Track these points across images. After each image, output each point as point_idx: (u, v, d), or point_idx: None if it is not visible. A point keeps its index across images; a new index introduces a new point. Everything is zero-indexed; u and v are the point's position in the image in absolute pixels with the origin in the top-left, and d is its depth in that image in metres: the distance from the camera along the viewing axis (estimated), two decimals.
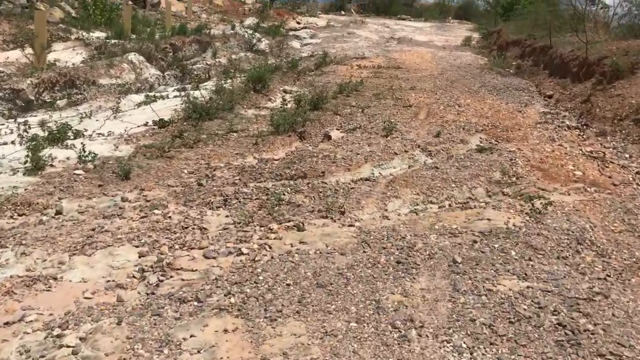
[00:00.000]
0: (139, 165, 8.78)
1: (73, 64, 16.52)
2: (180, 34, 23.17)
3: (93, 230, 6.30)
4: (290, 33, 31.28)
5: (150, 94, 15.13)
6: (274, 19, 34.06)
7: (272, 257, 5.57)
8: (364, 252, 5.73)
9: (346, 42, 29.27)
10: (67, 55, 17.60)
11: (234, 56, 23.36)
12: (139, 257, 5.69)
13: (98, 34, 21.31)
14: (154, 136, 10.61)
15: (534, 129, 11.57)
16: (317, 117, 12.32)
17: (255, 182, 8.24)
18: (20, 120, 11.88)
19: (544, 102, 15.08)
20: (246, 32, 25.90)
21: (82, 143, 9.59)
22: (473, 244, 5.86)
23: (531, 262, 5.41)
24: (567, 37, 20.10)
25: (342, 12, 42.59)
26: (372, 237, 6.18)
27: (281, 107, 13.18)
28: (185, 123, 11.40)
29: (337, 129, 11.90)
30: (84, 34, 20.50)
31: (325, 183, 8.22)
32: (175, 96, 14.65)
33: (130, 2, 27.57)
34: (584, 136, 11.12)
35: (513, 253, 5.60)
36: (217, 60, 22.30)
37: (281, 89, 16.19)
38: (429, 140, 10.66)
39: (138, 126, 11.47)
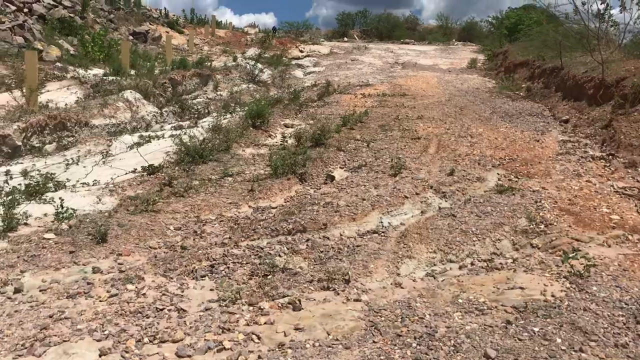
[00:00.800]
0: (120, 224, 7.68)
1: (66, 104, 15.57)
2: (181, 67, 22.29)
3: (51, 317, 5.17)
4: (293, 62, 30.40)
5: (145, 134, 14.13)
6: (277, 49, 33.24)
7: (260, 356, 4.40)
8: (374, 342, 4.54)
9: (350, 69, 28.31)
10: (61, 95, 16.68)
11: (235, 88, 22.48)
12: (100, 356, 4.55)
13: (96, 71, 20.50)
14: (142, 185, 9.54)
15: (555, 162, 10.40)
16: (319, 155, 11.23)
17: (248, 240, 7.12)
18: (2, 169, 10.87)
19: (561, 128, 13.93)
20: (248, 63, 25.02)
21: (60, 198, 8.53)
22: (507, 327, 4.65)
23: (583, 355, 4.21)
24: (578, 57, 19.01)
25: (345, 39, 41.77)
26: (383, 318, 5.00)
27: (281, 144, 12.12)
28: (177, 168, 10.33)
29: (341, 168, 10.81)
30: (81, 71, 19.70)
31: (328, 238, 7.08)
32: (171, 135, 13.64)
33: (130, 37, 26.83)
34: (612, 168, 9.94)
35: (559, 340, 4.39)
36: (218, 93, 21.42)
37: (282, 123, 15.15)
38: (442, 179, 9.52)
39: (126, 173, 10.41)
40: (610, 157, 10.67)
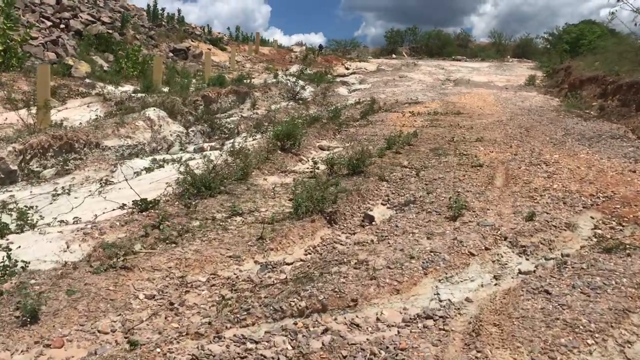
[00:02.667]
0: (70, 289, 5.32)
1: (81, 123, 13.58)
2: (217, 84, 20.21)
3: None
4: (338, 79, 28.07)
5: (160, 157, 11.93)
6: (322, 66, 30.99)
7: None
8: None
9: (397, 86, 25.74)
10: (79, 113, 14.75)
11: (274, 106, 20.24)
12: None
13: (127, 88, 18.64)
14: (128, 226, 7.21)
15: None
16: (356, 187, 8.71)
17: (237, 327, 4.62)
18: None
19: None
20: (288, 80, 22.77)
21: (7, 248, 6.29)
22: None
23: None
24: None
25: (393, 56, 39.19)
26: None
27: (311, 172, 9.67)
28: (177, 202, 7.97)
29: (383, 204, 8.27)
30: (110, 88, 17.87)
31: (358, 327, 4.53)
32: (190, 158, 11.40)
33: (170, 54, 25.05)
34: None
35: None
36: (254, 111, 19.19)
37: (317, 145, 12.70)
38: (519, 225, 6.84)
39: (114, 209, 8.12)
40: None
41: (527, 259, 6.00)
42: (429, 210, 7.65)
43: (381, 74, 30.61)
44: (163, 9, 28.72)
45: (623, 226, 6.84)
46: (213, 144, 13.35)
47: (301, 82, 22.81)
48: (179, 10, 29.80)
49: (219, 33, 35.38)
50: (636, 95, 15.72)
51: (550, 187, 8.58)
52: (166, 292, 5.43)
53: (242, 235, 6.69)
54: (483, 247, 6.15)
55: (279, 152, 11.24)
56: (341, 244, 6.73)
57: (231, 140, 13.85)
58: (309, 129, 13.96)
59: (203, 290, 5.47)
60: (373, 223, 7.45)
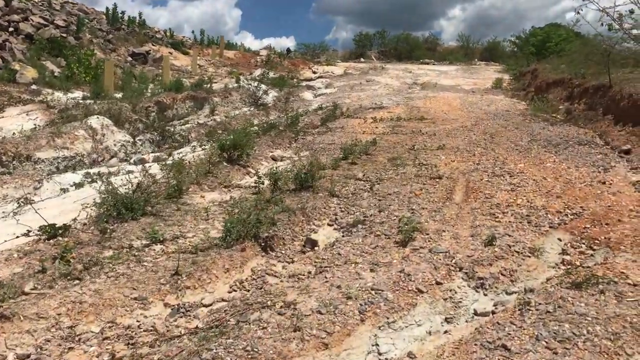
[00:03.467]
0: None
1: (14, 133, 12.36)
2: (175, 90, 19.04)
3: None
4: (304, 83, 27.03)
5: (95, 170, 10.77)
6: (288, 70, 29.94)
7: None
8: None
9: (364, 91, 24.81)
10: (16, 122, 13.49)
11: (234, 112, 19.19)
12: None
13: (77, 94, 17.36)
14: (27, 257, 6.08)
15: None
16: (302, 205, 7.69)
17: None
18: None
19: (624, 161, 10.18)
20: (250, 84, 21.68)
21: None
22: None
23: None
24: (626, 74, 15.26)
25: (362, 59, 38.29)
26: None
27: (255, 186, 8.64)
28: (93, 228, 6.85)
29: (330, 224, 7.27)
30: (59, 94, 16.61)
31: None
32: (129, 171, 10.23)
33: (129, 59, 23.80)
34: None
35: None
36: (212, 118, 18.05)
37: (270, 155, 11.65)
38: (477, 252, 5.89)
39: (18, 236, 6.97)
40: None
41: (485, 294, 5.05)
42: (378, 232, 6.66)
43: (348, 78, 29.65)
44: (123, 12, 27.42)
45: (594, 250, 5.93)
46: (157, 154, 12.20)
47: (264, 87, 21.73)
48: (140, 14, 28.57)
49: (183, 37, 34.12)
50: (602, 98, 14.98)
51: (514, 202, 7.66)
52: (45, 350, 4.34)
53: (157, 269, 5.61)
54: (434, 282, 5.17)
55: (225, 164, 10.17)
56: (275, 276, 5.70)
57: (181, 150, 12.77)
58: (263, 138, 12.93)
59: (92, 346, 4.39)
60: (315, 248, 6.44)
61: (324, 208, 7.80)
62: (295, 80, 27.71)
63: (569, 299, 4.63)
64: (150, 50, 25.54)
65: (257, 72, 26.96)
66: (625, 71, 15.65)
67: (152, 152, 13.33)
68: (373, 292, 4.91)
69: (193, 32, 39.85)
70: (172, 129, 15.59)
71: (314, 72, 31.54)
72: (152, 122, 15.51)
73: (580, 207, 7.32)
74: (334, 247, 6.34)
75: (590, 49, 16.20)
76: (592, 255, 5.81)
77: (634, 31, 12.85)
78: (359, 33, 45.75)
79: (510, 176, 9.11)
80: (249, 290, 5.34)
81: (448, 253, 5.84)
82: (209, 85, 21.20)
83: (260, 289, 5.32)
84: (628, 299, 4.52)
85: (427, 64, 37.08)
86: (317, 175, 8.90)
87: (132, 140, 13.92)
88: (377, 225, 6.93)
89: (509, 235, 6.31)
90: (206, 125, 16.49)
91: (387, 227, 6.82)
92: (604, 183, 8.48)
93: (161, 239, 6.38)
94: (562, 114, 16.60)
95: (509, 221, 6.86)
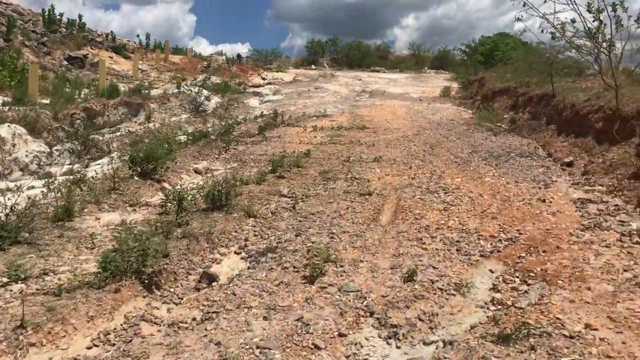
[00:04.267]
0: None
1: None
2: (108, 95, 17.69)
3: None
4: (251, 90, 25.96)
5: None
6: (235, 76, 28.80)
7: None
8: None
9: (311, 98, 23.89)
10: None
11: (173, 119, 18.00)
12: None
13: None
14: None
15: (584, 245, 5.88)
16: (210, 227, 6.62)
17: None
18: None
19: (567, 175, 9.49)
20: (190, 90, 20.47)
21: None
22: None
23: None
24: (570, 83, 14.75)
25: (313, 66, 37.41)
26: None
27: (162, 206, 7.53)
28: None
29: (237, 252, 6.23)
30: None
31: None
32: (31, 187, 8.94)
33: (54, 62, 22.28)
34: None
35: None
36: (146, 125, 16.78)
37: (193, 167, 10.54)
38: (394, 290, 4.95)
39: None
40: None
41: (398, 347, 4.11)
42: (287, 264, 5.66)
43: (297, 85, 28.68)
44: (61, 14, 25.78)
45: (528, 285, 5.07)
46: (70, 167, 10.93)
47: (205, 93, 20.54)
48: (80, 16, 26.90)
49: (128, 41, 32.54)
50: (546, 107, 14.40)
51: (445, 224, 6.78)
52: None
53: (2, 320, 4.45)
54: (336, 333, 4.20)
55: (137, 178, 9.02)
56: (154, 323, 4.64)
57: (98, 162, 11.56)
58: (191, 148, 11.81)
59: None
60: (214, 284, 5.39)
61: (235, 232, 6.76)
62: (242, 86, 26.63)
63: (492, 356, 3.71)
64: (88, 54, 24.03)
65: (202, 78, 25.75)
66: (569, 80, 15.14)
67: (69, 164, 12.03)
68: (258, 351, 3.90)
69: (138, 35, 38.12)
70: (99, 138, 14.29)
71: (263, 79, 30.50)
72: (76, 131, 14.15)
73: (517, 230, 6.48)
74: (232, 283, 5.31)
75: (533, 57, 15.61)
76: (526, 292, 4.95)
77: (576, 40, 12.25)
78: (311, 40, 44.89)
79: (445, 192, 8.26)
80: (114, 345, 4.25)
81: (360, 292, 4.88)
82: (147, 91, 19.91)
83: (129, 342, 4.24)
84: (559, 351, 3.63)
85: (378, 71, 36.46)
86: (234, 192, 7.86)
87: (48, 150, 12.56)
88: (288, 254, 5.94)
89: (434, 268, 5.39)
90: (137, 133, 15.24)
91: (299, 256, 5.83)
92: (543, 201, 7.70)
93: (23, 276, 5.21)
94: (507, 123, 16.02)
95: (437, 248, 5.96)
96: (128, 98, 18.18)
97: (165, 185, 9.07)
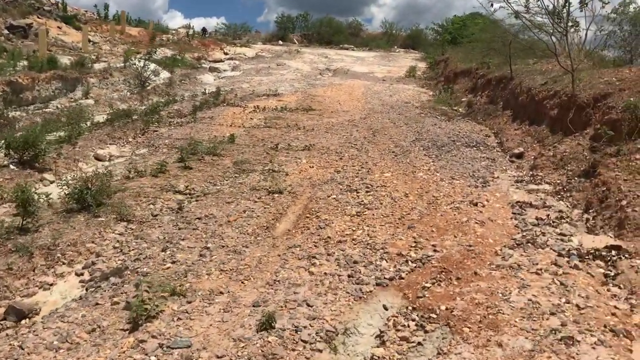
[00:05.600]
0: None
1: None
2: (37, 68, 15.91)
3: None
4: (208, 65, 24.23)
5: None
6: (196, 50, 27.00)
7: None
8: None
9: (269, 75, 22.28)
10: None
11: (114, 95, 16.37)
12: None
13: None
14: None
15: (508, 272, 4.56)
16: (58, 236, 5.17)
17: None
18: None
19: (513, 169, 8.20)
20: (134, 64, 18.73)
21: None
22: None
23: None
24: (531, 65, 13.42)
25: (280, 42, 35.53)
26: None
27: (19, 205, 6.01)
28: None
29: (80, 273, 4.83)
30: None
31: None
32: None
33: (4, 32, 20.31)
34: (633, 292, 4.14)
35: None
36: (80, 102, 15.13)
37: (96, 153, 9.02)
38: (236, 347, 3.59)
39: None
40: (618, 254, 4.89)
41: None
42: (121, 297, 4.25)
43: (258, 61, 26.95)
44: None
45: (426, 332, 3.76)
46: None
47: (153, 67, 18.82)
48: None
49: (86, 11, 30.37)
50: (503, 91, 13.08)
51: (350, 235, 5.43)
52: None
53: None
54: None
55: (13, 167, 7.49)
56: None
57: None
58: (103, 129, 10.27)
59: None
60: (23, 321, 3.96)
61: (92, 242, 5.33)
62: (201, 61, 24.92)
63: None
64: (32, 23, 22.03)
65: (158, 52, 23.94)
66: (530, 62, 13.80)
67: None
68: None
69: (96, 6, 35.75)
70: (22, 115, 12.66)
71: (226, 54, 28.73)
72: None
73: (433, 245, 5.15)
74: (34, 327, 3.89)
75: (490, 36, 14.20)
76: (419, 343, 3.62)
77: (537, 18, 10.87)
78: (280, 15, 42.86)
79: (367, 191, 6.89)
80: None
81: (190, 350, 3.48)
82: (90, 65, 18.17)
83: None
84: None
85: (347, 49, 34.82)
86: (114, 189, 6.39)
87: None
88: (134, 280, 4.52)
89: (308, 305, 4.04)
90: (66, 110, 13.60)
91: (144, 286, 4.41)
92: (476, 204, 6.38)
93: None
94: (464, 107, 14.70)
95: (325, 273, 4.60)
96: (63, 72, 16.42)
97: (46, 176, 7.55)
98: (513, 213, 6.15)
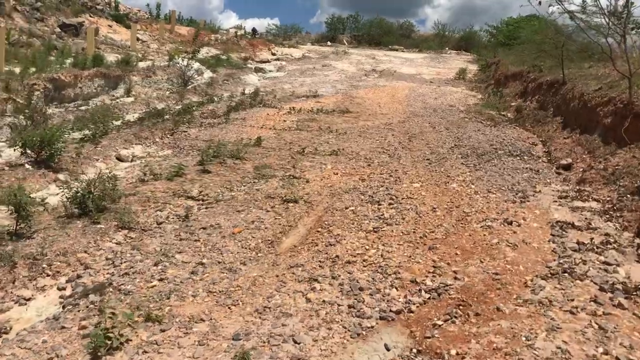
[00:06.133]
0: None
1: None
2: (80, 66, 15.96)
3: None
4: (253, 65, 23.99)
5: None
6: (244, 50, 26.86)
7: None
8: None
9: (313, 76, 21.81)
10: None
11: (156, 93, 16.31)
12: None
13: None
14: None
15: (537, 308, 3.86)
16: (48, 245, 4.80)
17: None
18: None
19: (558, 183, 7.38)
20: (177, 63, 18.63)
21: None
22: None
23: None
24: (586, 69, 12.37)
25: (329, 43, 35.02)
26: None
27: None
28: None
29: (62, 288, 4.43)
30: None
31: None
32: None
33: (46, 28, 20.70)
34: None
35: None
36: (119, 100, 15.11)
37: (116, 153, 8.73)
38: None
39: None
40: None
41: None
42: (91, 319, 3.80)
43: (304, 62, 26.53)
44: None
45: None
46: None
47: (196, 66, 18.66)
48: None
49: (139, 10, 30.76)
50: (554, 96, 12.11)
51: (361, 255, 4.82)
52: None
53: None
54: None
55: (28, 167, 7.25)
56: None
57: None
58: (131, 129, 10.01)
59: None
60: None
61: (83, 252, 4.93)
62: (249, 61, 24.77)
63: None
64: (84, 21, 22.34)
65: (204, 51, 23.90)
66: (585, 66, 12.74)
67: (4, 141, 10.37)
68: None
69: (148, 5, 36.07)
70: (61, 112, 12.62)
71: (273, 54, 28.46)
72: (28, 103, 12.47)
73: (454, 272, 4.48)
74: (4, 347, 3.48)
75: (541, 37, 13.21)
76: None
77: (595, 19, 9.91)
78: (331, 16, 42.36)
79: (390, 204, 6.26)
80: None
81: None
82: (135, 63, 18.19)
83: None
84: None
85: (396, 50, 33.98)
86: (117, 194, 6.00)
87: None
88: (111, 301, 4.07)
89: (295, 342, 3.48)
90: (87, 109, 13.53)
91: (118, 309, 3.96)
92: (510, 223, 5.65)
93: None
94: (513, 112, 13.77)
95: (323, 301, 4.03)
96: (106, 69, 16.43)
97: (60, 176, 7.27)
98: (552, 235, 5.39)
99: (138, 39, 23.84)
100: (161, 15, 30.16)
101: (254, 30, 34.78)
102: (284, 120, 11.69)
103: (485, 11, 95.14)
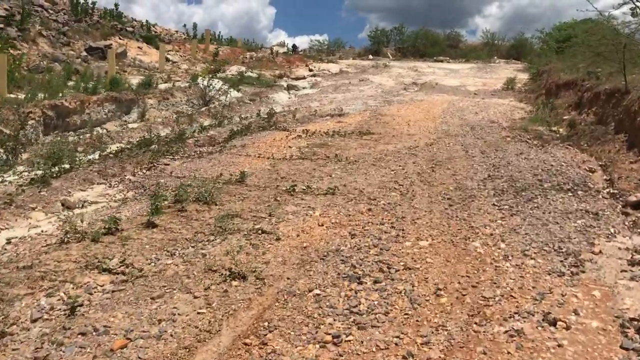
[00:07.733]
0: None
1: None
2: (91, 90, 14.68)
3: None
4: (286, 83, 22.26)
5: None
6: (280, 67, 25.23)
7: None
8: None
9: (347, 92, 19.82)
10: None
11: (174, 116, 14.87)
12: None
13: None
14: None
15: None
16: None
17: None
18: None
19: (627, 231, 5.02)
20: (198, 83, 17.12)
21: None
22: None
23: None
24: None
25: (370, 57, 32.90)
26: None
27: None
28: None
29: None
30: None
31: None
32: None
33: (72, 52, 19.73)
34: None
35: None
36: (128, 125, 13.65)
37: (62, 199, 6.97)
38: None
39: None
40: None
41: None
42: None
43: (340, 77, 24.50)
44: (94, 3, 23.25)
45: None
46: None
47: (218, 86, 17.06)
48: (116, 5, 24.22)
49: (176, 31, 29.71)
50: (615, 108, 9.61)
51: None
52: None
53: None
54: None
55: None
56: None
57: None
58: (106, 162, 8.30)
59: None
60: None
61: None
62: (283, 78, 23.15)
63: None
64: (111, 44, 21.26)
65: (233, 69, 22.41)
66: None
67: None
68: None
69: (185, 25, 35.08)
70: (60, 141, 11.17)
71: (310, 70, 26.67)
72: (16, 134, 11.06)
73: None
74: None
75: (599, 40, 10.65)
76: None
77: None
78: (374, 29, 40.20)
79: (376, 282, 4.16)
80: None
81: None
82: (155, 85, 16.83)
83: None
84: None
85: (441, 61, 31.48)
86: None
87: None
88: None
89: None
90: (106, 134, 12.08)
91: None
92: (554, 323, 3.41)
93: None
94: (565, 127, 11.28)
95: None
96: (117, 93, 15.03)
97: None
98: (623, 348, 3.13)
99: (168, 60, 22.62)
100: (197, 36, 28.94)
101: (294, 46, 33.23)
102: (289, 147, 9.73)
103: (538, 19, 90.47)
